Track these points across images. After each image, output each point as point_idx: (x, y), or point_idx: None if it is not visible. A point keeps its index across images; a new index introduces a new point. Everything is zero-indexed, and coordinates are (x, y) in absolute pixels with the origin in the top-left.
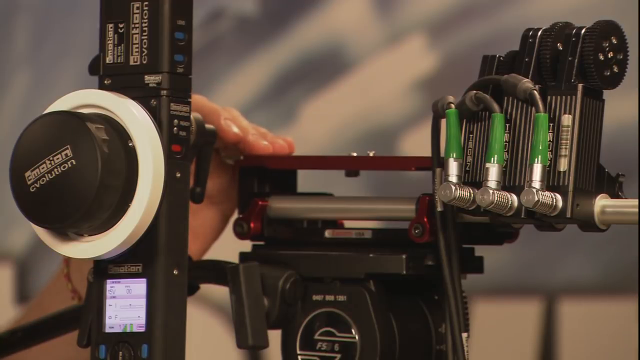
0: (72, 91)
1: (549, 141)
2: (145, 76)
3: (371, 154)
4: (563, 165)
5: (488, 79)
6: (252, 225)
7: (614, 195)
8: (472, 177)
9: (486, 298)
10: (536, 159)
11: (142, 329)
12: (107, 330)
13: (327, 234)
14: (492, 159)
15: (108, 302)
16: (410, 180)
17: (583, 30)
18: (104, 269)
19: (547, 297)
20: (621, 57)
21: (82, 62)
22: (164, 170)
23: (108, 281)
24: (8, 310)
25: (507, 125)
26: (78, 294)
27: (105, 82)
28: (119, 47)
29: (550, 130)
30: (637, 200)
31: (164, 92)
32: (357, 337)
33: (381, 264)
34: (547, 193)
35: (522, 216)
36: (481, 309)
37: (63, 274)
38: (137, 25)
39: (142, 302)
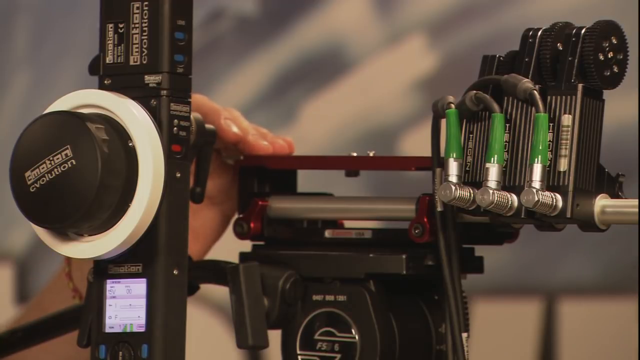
0: (72, 91)
1: (549, 141)
2: (145, 76)
3: (371, 154)
4: (563, 165)
5: (488, 79)
6: (252, 225)
7: (614, 195)
8: (472, 177)
9: (486, 298)
10: (536, 159)
11: (142, 329)
12: (107, 330)
13: (327, 234)
14: (492, 159)
15: (108, 302)
16: (410, 180)
17: (583, 30)
18: (104, 269)
19: (547, 297)
20: (621, 57)
21: (82, 62)
22: (164, 170)
23: (108, 281)
24: (8, 310)
25: (507, 125)
26: (79, 293)
27: (105, 82)
28: (119, 47)
29: (550, 130)
30: (637, 200)
31: (164, 92)
32: (357, 337)
33: (381, 264)
34: (547, 193)
35: (522, 216)
36: (481, 309)
37: (64, 272)
38: (137, 25)
39: (142, 302)
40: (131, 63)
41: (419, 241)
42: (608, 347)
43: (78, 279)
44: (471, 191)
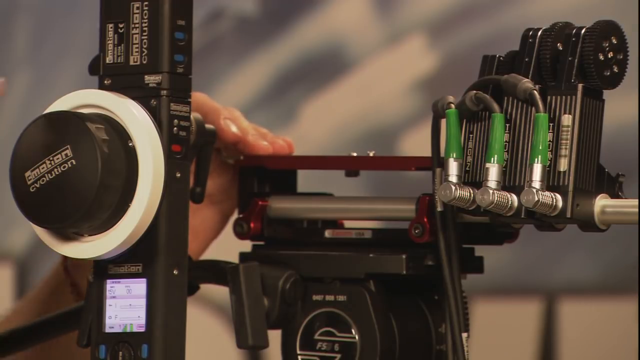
0: (72, 91)
1: (549, 141)
2: (145, 76)
3: (371, 154)
4: (563, 165)
5: (488, 79)
6: (252, 225)
7: (614, 195)
8: (472, 177)
9: (486, 298)
10: (536, 159)
11: (142, 329)
12: (107, 330)
13: (327, 234)
14: (492, 159)
15: (108, 302)
16: (410, 180)
17: (583, 30)
18: (104, 269)
19: (547, 297)
20: (621, 57)
21: (82, 62)
22: (164, 170)
23: (108, 281)
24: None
25: (507, 125)
26: (77, 288)
27: (105, 82)
28: (119, 47)
29: (550, 130)
30: (637, 200)
31: (164, 92)
32: (357, 337)
33: (381, 264)
34: (547, 193)
35: (522, 216)
36: (481, 309)
37: (62, 266)
38: (137, 25)
39: (142, 302)
40: (131, 63)
41: (419, 241)
42: (608, 347)
43: (76, 274)
44: (471, 191)
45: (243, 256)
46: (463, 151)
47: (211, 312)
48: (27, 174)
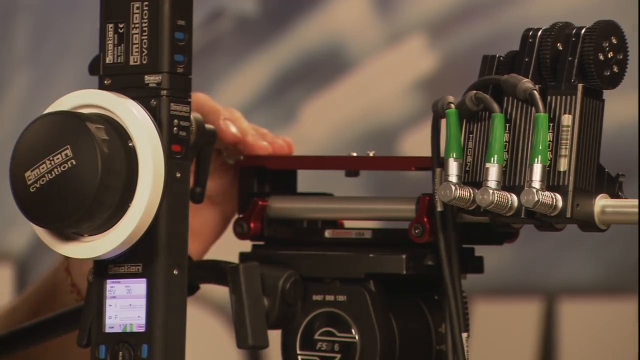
0: (72, 91)
1: (549, 141)
2: (145, 76)
3: (371, 154)
4: (563, 165)
5: (488, 79)
6: (252, 225)
7: (614, 195)
8: (472, 177)
9: (486, 298)
10: (536, 159)
11: (142, 329)
12: (107, 330)
13: (327, 234)
14: (492, 159)
15: (108, 302)
16: (410, 180)
17: (583, 30)
18: (104, 269)
19: (547, 297)
20: (621, 57)
21: (82, 62)
22: (164, 170)
23: (108, 281)
24: None
25: (507, 125)
26: (77, 288)
27: (105, 82)
28: (119, 47)
29: (550, 130)
30: (637, 200)
31: (164, 92)
32: (357, 337)
33: (381, 264)
34: (547, 193)
35: (522, 216)
36: (481, 309)
37: (63, 266)
38: (137, 25)
39: (142, 302)
40: (131, 63)
41: (419, 241)
42: (608, 348)
43: (76, 274)
44: (471, 191)
45: (243, 256)
46: (463, 151)
47: (211, 312)
48: (27, 174)
